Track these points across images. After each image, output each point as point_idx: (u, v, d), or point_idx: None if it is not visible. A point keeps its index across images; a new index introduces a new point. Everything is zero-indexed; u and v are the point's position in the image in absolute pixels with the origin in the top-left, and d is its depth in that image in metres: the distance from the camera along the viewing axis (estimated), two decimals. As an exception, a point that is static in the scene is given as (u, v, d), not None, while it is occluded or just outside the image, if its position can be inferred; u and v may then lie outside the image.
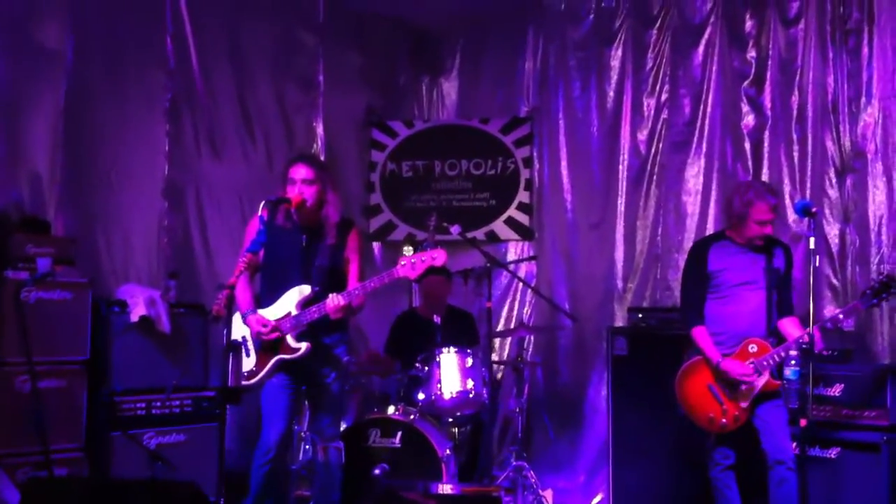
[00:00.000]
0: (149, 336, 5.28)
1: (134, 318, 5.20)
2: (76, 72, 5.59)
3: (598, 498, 6.14)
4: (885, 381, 4.98)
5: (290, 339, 4.55)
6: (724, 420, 4.59)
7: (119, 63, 5.85)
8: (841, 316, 4.55)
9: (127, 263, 5.87)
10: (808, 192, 5.98)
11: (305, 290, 4.58)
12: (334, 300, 4.47)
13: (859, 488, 4.85)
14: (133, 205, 5.93)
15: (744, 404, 4.55)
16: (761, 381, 4.51)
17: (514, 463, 5.71)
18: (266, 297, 4.67)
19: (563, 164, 6.98)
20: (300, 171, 4.61)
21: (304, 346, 4.56)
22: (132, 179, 5.92)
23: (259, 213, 4.36)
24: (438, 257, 4.51)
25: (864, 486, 4.85)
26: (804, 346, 4.13)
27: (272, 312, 4.60)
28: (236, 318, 4.64)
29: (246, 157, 6.63)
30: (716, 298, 4.72)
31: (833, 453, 4.92)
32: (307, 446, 5.35)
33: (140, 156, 5.99)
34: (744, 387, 4.52)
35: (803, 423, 3.99)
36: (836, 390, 5.04)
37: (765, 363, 4.50)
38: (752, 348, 4.55)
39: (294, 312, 4.55)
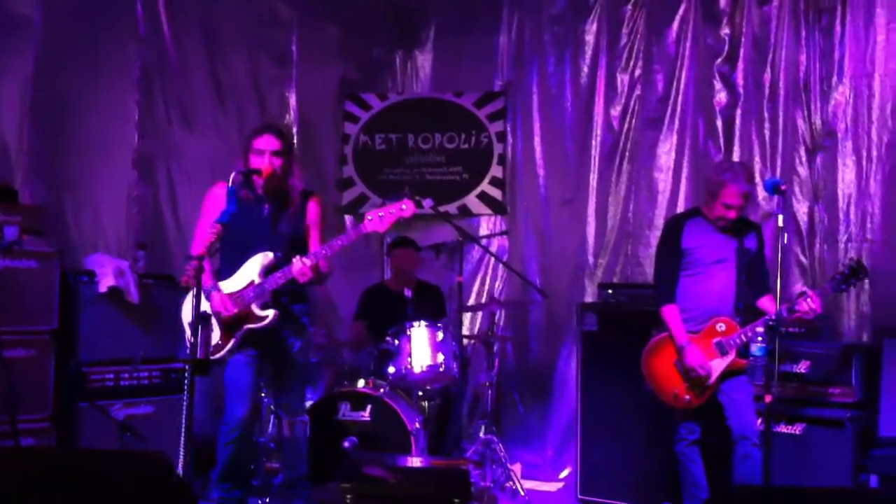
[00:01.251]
0: (117, 307, 5.23)
1: (102, 288, 5.15)
2: (45, 39, 5.49)
3: (566, 472, 6.19)
4: (850, 358, 5.05)
5: (255, 308, 4.52)
6: (687, 396, 4.62)
7: (89, 30, 5.74)
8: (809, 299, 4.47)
9: (96, 233, 5.81)
10: (778, 169, 6.03)
11: (268, 256, 4.54)
12: (299, 263, 4.42)
13: (824, 464, 4.92)
14: (103, 174, 5.87)
15: (707, 383, 4.56)
16: (726, 361, 4.52)
17: (484, 437, 5.75)
18: (227, 268, 4.63)
19: (537, 139, 6.98)
20: (270, 142, 4.57)
21: (270, 313, 4.53)
22: (102, 149, 5.84)
23: (230, 183, 4.33)
24: (407, 208, 4.45)
25: (829, 462, 4.92)
26: (771, 322, 4.14)
27: (234, 283, 4.56)
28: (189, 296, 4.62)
29: (218, 129, 6.57)
30: (687, 276, 4.72)
31: (798, 429, 4.98)
32: (275, 419, 5.34)
33: (110, 125, 5.91)
34: (701, 373, 4.53)
35: (769, 399, 4.02)
36: (802, 367, 5.10)
37: (731, 342, 4.52)
38: (720, 327, 4.56)
39: (257, 280, 4.51)
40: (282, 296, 4.58)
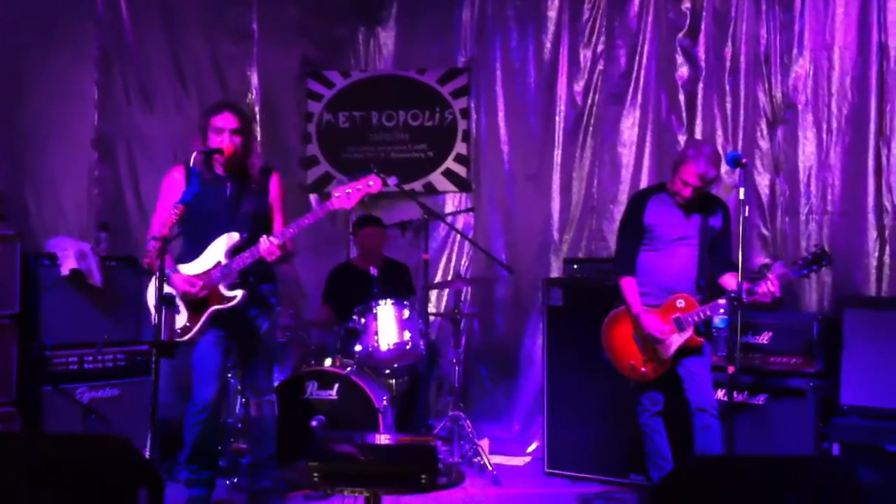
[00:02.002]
0: (80, 290, 5.19)
1: (64, 271, 5.11)
2: (1, 20, 5.40)
3: (533, 446, 6.24)
4: (811, 329, 5.12)
5: (222, 289, 4.49)
6: (643, 369, 4.64)
7: (46, 11, 5.66)
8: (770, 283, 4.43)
9: (56, 216, 5.75)
10: (740, 143, 6.07)
11: (233, 237, 4.49)
12: (266, 242, 4.39)
13: (787, 433, 4.99)
14: (62, 156, 5.80)
15: (664, 356, 4.58)
16: (684, 337, 4.53)
17: (451, 413, 5.78)
18: (190, 251, 4.58)
19: (501, 115, 6.97)
20: (228, 121, 4.52)
21: (239, 293, 4.50)
22: (61, 131, 5.78)
23: (190, 163, 4.29)
24: (374, 184, 4.42)
25: (792, 431, 5.00)
26: (733, 296, 4.16)
27: (198, 265, 4.52)
28: (153, 282, 4.58)
29: (179, 109, 6.51)
30: (649, 251, 4.73)
31: (761, 400, 5.05)
32: (242, 399, 5.33)
33: (69, 106, 5.85)
34: (658, 336, 4.54)
35: (731, 370, 4.04)
36: (764, 338, 5.17)
37: (690, 319, 4.52)
38: (680, 303, 4.56)
39: (224, 261, 4.48)
40: (249, 276, 4.55)
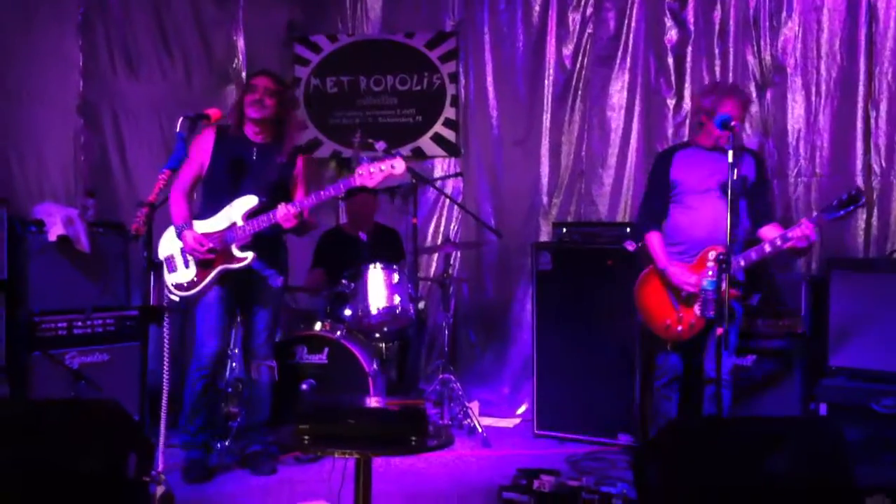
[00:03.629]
0: (67, 256, 5.17)
1: (52, 237, 5.08)
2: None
3: (522, 408, 6.27)
4: (799, 290, 5.14)
5: (234, 249, 4.54)
6: (679, 327, 4.54)
7: (29, -24, 5.62)
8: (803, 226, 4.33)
9: (42, 182, 5.72)
10: (729, 106, 6.04)
11: (252, 200, 4.55)
12: (284, 209, 4.44)
13: (774, 395, 5.04)
14: (47, 122, 5.76)
15: (698, 311, 4.47)
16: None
17: (441, 376, 5.79)
18: (207, 209, 4.63)
19: (489, 79, 6.93)
20: (263, 81, 4.63)
21: (249, 255, 4.56)
22: (45, 96, 5.73)
23: (177, 129, 4.27)
24: (398, 167, 4.44)
25: (779, 392, 5.04)
26: (720, 257, 4.13)
27: (212, 224, 4.57)
28: (169, 233, 4.65)
29: (164, 74, 6.49)
30: (678, 206, 4.65)
31: (748, 361, 5.07)
32: (234, 364, 5.33)
33: (53, 72, 5.80)
34: (690, 289, 4.44)
35: (720, 332, 4.03)
36: (752, 299, 5.18)
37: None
38: (713, 255, 4.36)
39: (240, 223, 4.53)
40: (262, 240, 4.58)
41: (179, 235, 4.54)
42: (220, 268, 4.56)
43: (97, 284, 5.30)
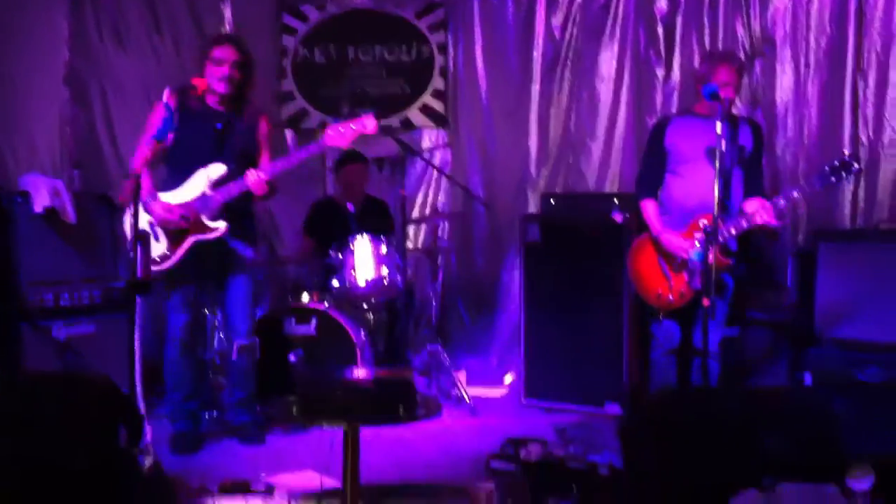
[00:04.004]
0: (54, 227, 5.13)
1: (38, 208, 5.04)
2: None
3: (509, 378, 6.29)
4: (786, 262, 5.16)
5: (204, 219, 4.48)
6: (670, 296, 4.55)
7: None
8: (795, 193, 4.38)
9: (29, 154, 5.70)
10: (718, 77, 6.03)
11: (219, 169, 4.49)
12: (254, 175, 4.40)
13: (761, 364, 5.07)
14: (34, 94, 5.73)
15: (691, 282, 4.46)
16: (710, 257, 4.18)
17: (429, 347, 5.81)
18: (173, 180, 4.55)
19: (478, 50, 6.90)
20: (229, 53, 4.52)
21: (221, 224, 4.49)
22: (32, 68, 5.70)
23: (164, 100, 4.24)
24: (369, 124, 4.40)
25: (766, 362, 5.07)
26: (707, 230, 4.12)
27: (180, 195, 4.50)
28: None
29: (152, 47, 6.44)
30: (671, 175, 4.65)
31: (735, 332, 5.09)
32: (221, 334, 5.34)
33: (40, 44, 5.76)
34: (684, 255, 4.42)
35: (706, 303, 4.04)
36: (740, 270, 5.20)
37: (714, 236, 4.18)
38: (703, 223, 4.33)
39: (208, 192, 4.47)
40: (230, 210, 4.53)
41: (146, 208, 4.43)
42: (192, 239, 4.49)
43: (84, 255, 5.26)
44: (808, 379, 4.83)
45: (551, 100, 6.67)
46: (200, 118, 4.51)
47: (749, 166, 4.59)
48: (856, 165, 4.22)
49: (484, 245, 6.88)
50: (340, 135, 4.39)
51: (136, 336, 3.89)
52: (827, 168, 4.22)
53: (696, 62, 6.06)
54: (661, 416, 3.55)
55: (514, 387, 6.05)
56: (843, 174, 4.22)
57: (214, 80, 4.49)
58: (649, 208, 4.66)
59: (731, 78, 4.45)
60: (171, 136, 4.43)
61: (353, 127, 4.38)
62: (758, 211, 4.31)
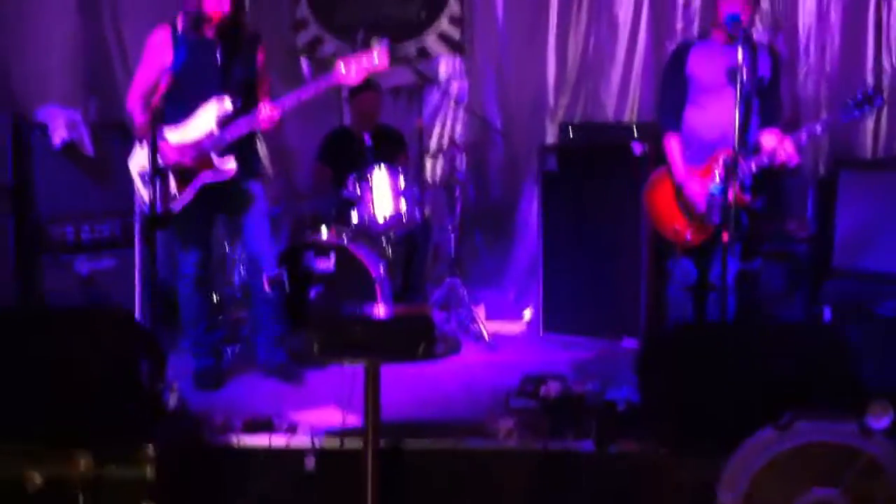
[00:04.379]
0: (72, 159, 5.12)
1: (56, 142, 5.04)
2: None
3: (528, 312, 6.31)
4: (805, 192, 5.13)
5: (214, 158, 4.38)
6: (688, 232, 4.48)
7: None
8: (818, 128, 4.35)
9: (43, 82, 5.65)
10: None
11: (226, 104, 4.34)
12: (267, 110, 4.30)
13: (779, 297, 5.07)
14: (45, 20, 5.66)
15: (709, 220, 4.39)
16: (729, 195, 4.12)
17: (448, 280, 5.83)
18: (175, 114, 4.39)
19: (495, -27, 6.76)
20: None
21: (233, 163, 4.39)
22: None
23: (176, 26, 4.17)
24: (381, 60, 4.32)
25: (785, 295, 5.07)
26: (727, 162, 4.08)
27: (187, 132, 4.38)
28: (137, 147, 4.51)
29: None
30: (691, 105, 4.52)
31: (755, 265, 5.08)
32: (242, 269, 5.36)
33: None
34: (702, 209, 4.37)
35: (726, 237, 4.01)
36: (758, 202, 5.16)
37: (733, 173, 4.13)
38: (722, 159, 4.30)
39: (216, 130, 4.34)
40: (238, 145, 4.45)
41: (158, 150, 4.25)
42: (202, 178, 4.40)
43: (103, 187, 5.26)
44: (827, 313, 4.84)
45: (569, 24, 6.53)
46: (200, 49, 4.33)
47: (767, 95, 4.48)
48: (881, 98, 4.16)
49: (501, 175, 6.82)
50: (349, 72, 4.31)
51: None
52: (850, 102, 4.15)
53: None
54: (678, 350, 3.59)
55: (532, 321, 6.08)
56: (867, 108, 4.15)
57: (208, 4, 4.28)
58: (674, 146, 4.50)
59: (742, 5, 4.30)
60: (168, 69, 4.32)
61: (364, 64, 4.30)
62: (779, 147, 4.25)
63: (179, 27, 4.18)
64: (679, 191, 4.49)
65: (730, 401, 3.26)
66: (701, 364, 3.41)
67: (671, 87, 4.59)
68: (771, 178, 5.01)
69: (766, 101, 4.47)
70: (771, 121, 4.48)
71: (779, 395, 3.14)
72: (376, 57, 4.29)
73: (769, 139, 4.39)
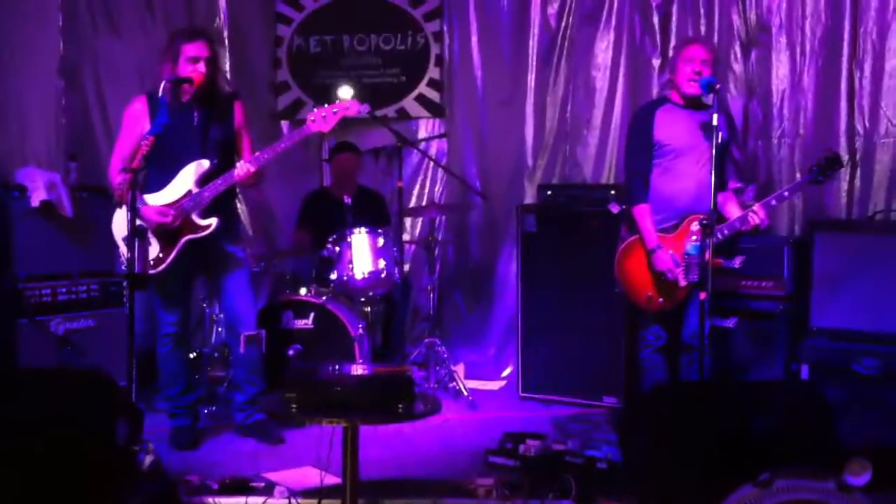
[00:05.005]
0: (51, 221, 5.13)
1: (35, 202, 5.03)
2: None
3: (507, 371, 6.32)
4: (782, 252, 5.18)
5: (195, 218, 4.44)
6: (661, 299, 4.49)
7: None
8: (786, 193, 4.46)
9: (24, 146, 5.67)
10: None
11: (203, 164, 4.43)
12: (244, 167, 4.36)
13: (756, 356, 5.08)
14: (28, 84, 5.70)
15: (682, 284, 4.43)
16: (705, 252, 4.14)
17: (427, 339, 5.83)
18: (156, 181, 4.47)
19: (474, 38, 6.86)
20: (203, 50, 4.44)
21: (213, 221, 4.45)
22: (26, 58, 5.66)
23: (160, 93, 4.22)
24: (352, 107, 4.38)
25: (762, 354, 5.09)
26: (704, 223, 4.11)
27: (166, 195, 4.45)
28: (120, 213, 4.50)
29: (145, 33, 6.39)
30: (658, 169, 4.52)
31: (731, 323, 5.10)
32: (220, 328, 5.34)
33: (33, 33, 5.72)
34: (670, 277, 4.40)
35: (703, 296, 4.04)
36: (736, 262, 5.20)
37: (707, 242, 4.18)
38: (695, 226, 4.34)
39: (195, 189, 4.41)
40: (219, 204, 4.49)
41: (139, 214, 4.22)
42: (184, 239, 4.44)
43: (81, 249, 5.26)
44: (804, 370, 4.86)
45: (547, 89, 6.65)
46: (178, 113, 4.36)
47: (724, 157, 4.55)
48: (841, 163, 4.33)
49: (480, 236, 6.88)
50: (323, 119, 4.37)
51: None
52: (815, 169, 4.32)
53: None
54: (658, 409, 3.58)
55: (511, 379, 6.07)
56: (830, 173, 4.32)
57: (190, 75, 4.38)
58: (644, 215, 4.49)
59: (705, 54, 4.41)
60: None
61: (335, 111, 4.36)
62: (750, 212, 4.34)
63: (161, 94, 4.22)
64: (650, 259, 4.49)
65: (710, 458, 3.24)
66: (681, 422, 3.40)
67: (639, 152, 4.57)
68: (746, 238, 5.08)
69: (722, 163, 4.49)
70: (724, 185, 4.54)
71: (758, 453, 3.13)
72: (347, 104, 4.36)
73: (732, 209, 4.48)
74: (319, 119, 4.37)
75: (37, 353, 4.90)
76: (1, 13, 5.50)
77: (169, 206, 4.43)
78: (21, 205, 5.03)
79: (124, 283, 4.50)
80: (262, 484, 3.83)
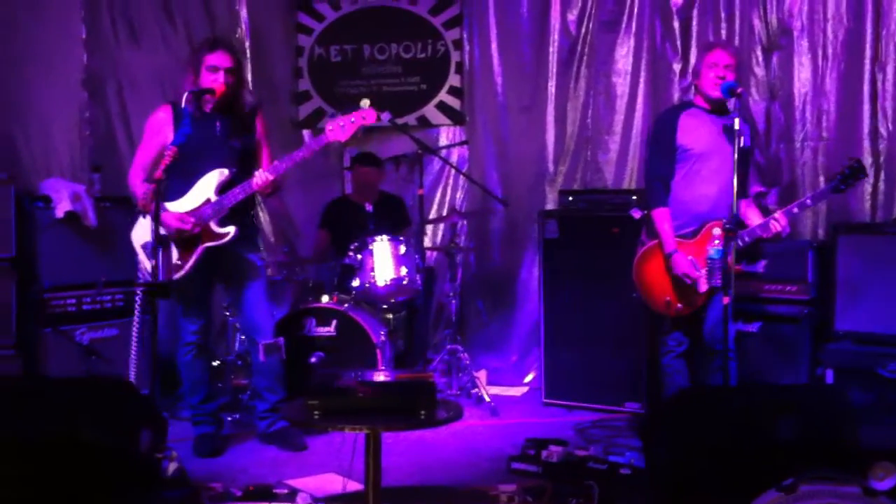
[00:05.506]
0: (75, 231, 5.17)
1: (59, 213, 5.08)
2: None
3: (529, 377, 6.31)
4: (805, 256, 5.14)
5: (213, 226, 4.48)
6: (679, 304, 4.47)
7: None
8: (808, 202, 4.44)
9: (48, 158, 5.71)
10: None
11: (223, 173, 4.48)
12: (262, 176, 4.39)
13: (781, 360, 5.05)
14: (52, 97, 5.74)
15: (700, 289, 4.41)
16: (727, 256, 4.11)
17: (449, 346, 5.83)
18: (176, 189, 4.49)
19: (494, 46, 6.88)
20: (223, 59, 4.48)
21: (231, 229, 4.48)
22: (50, 70, 5.69)
23: (182, 104, 4.25)
24: (369, 116, 4.39)
25: (786, 358, 5.06)
26: (727, 227, 4.08)
27: (186, 203, 4.49)
28: (141, 220, 4.57)
29: (167, 44, 6.43)
30: (681, 174, 4.50)
31: (755, 328, 5.08)
32: (242, 336, 5.36)
33: (56, 45, 5.76)
34: (688, 282, 4.39)
35: (727, 301, 4.00)
36: (759, 266, 5.19)
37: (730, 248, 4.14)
38: (716, 231, 4.35)
39: (214, 198, 4.46)
40: (238, 213, 4.54)
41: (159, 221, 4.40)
42: (202, 246, 4.48)
43: (105, 259, 5.30)
44: (828, 374, 4.82)
45: (568, 95, 6.66)
46: (200, 123, 4.39)
47: (745, 164, 4.51)
48: (865, 173, 4.31)
49: (502, 242, 6.88)
50: (340, 129, 4.38)
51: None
52: (838, 177, 4.30)
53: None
54: (682, 414, 3.56)
55: (533, 385, 6.06)
56: (853, 182, 4.30)
57: (212, 86, 4.43)
58: (663, 219, 4.49)
59: (727, 59, 4.42)
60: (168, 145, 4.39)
61: (353, 120, 4.38)
62: (771, 219, 4.32)
63: (184, 105, 4.25)
64: (668, 263, 4.47)
65: (733, 463, 3.23)
66: (705, 427, 3.38)
67: (661, 156, 4.56)
68: (771, 244, 5.05)
69: (746, 169, 4.52)
70: (745, 192, 4.53)
71: (782, 458, 3.10)
72: (364, 113, 4.37)
73: (753, 216, 4.46)
74: (337, 128, 4.39)
75: (62, 362, 4.95)
76: (24, 26, 5.55)
77: (188, 213, 4.47)
78: (46, 215, 5.08)
79: (137, 291, 4.49)
80: (285, 491, 3.85)
